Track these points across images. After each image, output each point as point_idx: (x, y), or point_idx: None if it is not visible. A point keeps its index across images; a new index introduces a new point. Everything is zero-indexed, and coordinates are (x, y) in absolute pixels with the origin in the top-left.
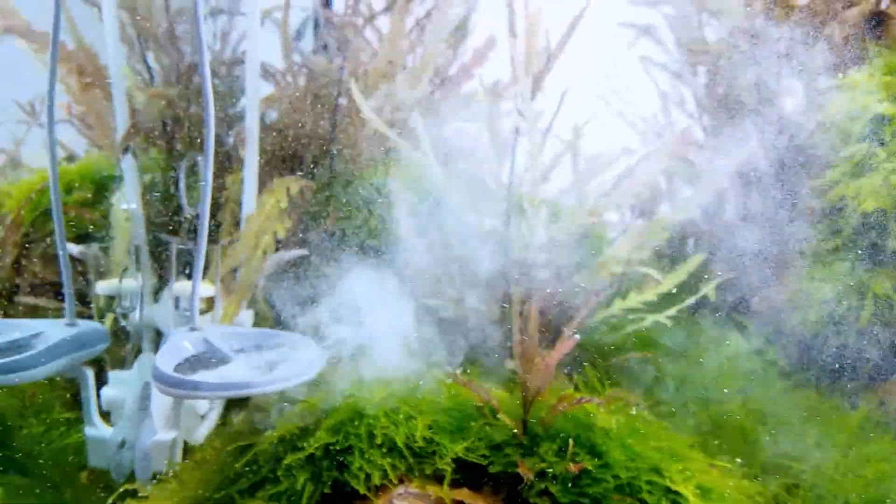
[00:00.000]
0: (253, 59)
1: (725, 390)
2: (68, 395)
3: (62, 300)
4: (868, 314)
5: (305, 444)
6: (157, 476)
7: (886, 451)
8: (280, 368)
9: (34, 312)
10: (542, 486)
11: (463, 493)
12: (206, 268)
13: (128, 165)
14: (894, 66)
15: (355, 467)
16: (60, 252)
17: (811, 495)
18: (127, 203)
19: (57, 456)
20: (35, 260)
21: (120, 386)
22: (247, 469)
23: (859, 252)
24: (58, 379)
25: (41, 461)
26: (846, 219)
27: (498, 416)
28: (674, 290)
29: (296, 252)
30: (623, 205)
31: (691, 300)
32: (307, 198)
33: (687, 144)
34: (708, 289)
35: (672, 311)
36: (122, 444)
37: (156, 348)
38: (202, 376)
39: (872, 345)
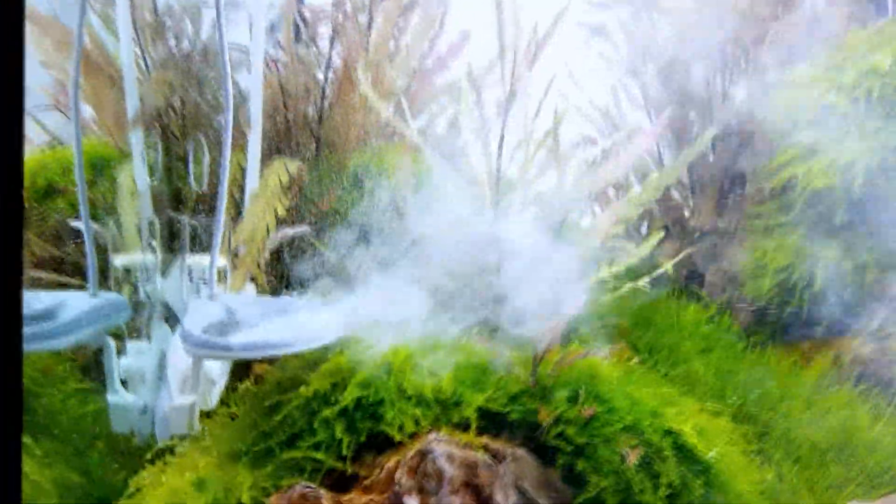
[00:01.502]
0: (257, 42)
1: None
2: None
3: (62, 274)
4: (821, 279)
5: (339, 398)
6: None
7: (845, 399)
8: (303, 331)
9: (36, 286)
10: (559, 429)
11: (486, 440)
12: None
13: (136, 145)
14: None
15: (389, 417)
16: (85, 228)
17: (783, 440)
18: (138, 181)
19: (76, 424)
20: (33, 237)
21: (138, 355)
22: (282, 423)
23: (809, 225)
24: (68, 352)
25: (61, 430)
26: (796, 196)
27: (513, 369)
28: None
29: (299, 228)
30: (600, 190)
31: (661, 270)
32: (304, 178)
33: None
34: (671, 263)
35: (645, 280)
36: (144, 410)
37: (168, 321)
38: (232, 339)
39: (825, 306)
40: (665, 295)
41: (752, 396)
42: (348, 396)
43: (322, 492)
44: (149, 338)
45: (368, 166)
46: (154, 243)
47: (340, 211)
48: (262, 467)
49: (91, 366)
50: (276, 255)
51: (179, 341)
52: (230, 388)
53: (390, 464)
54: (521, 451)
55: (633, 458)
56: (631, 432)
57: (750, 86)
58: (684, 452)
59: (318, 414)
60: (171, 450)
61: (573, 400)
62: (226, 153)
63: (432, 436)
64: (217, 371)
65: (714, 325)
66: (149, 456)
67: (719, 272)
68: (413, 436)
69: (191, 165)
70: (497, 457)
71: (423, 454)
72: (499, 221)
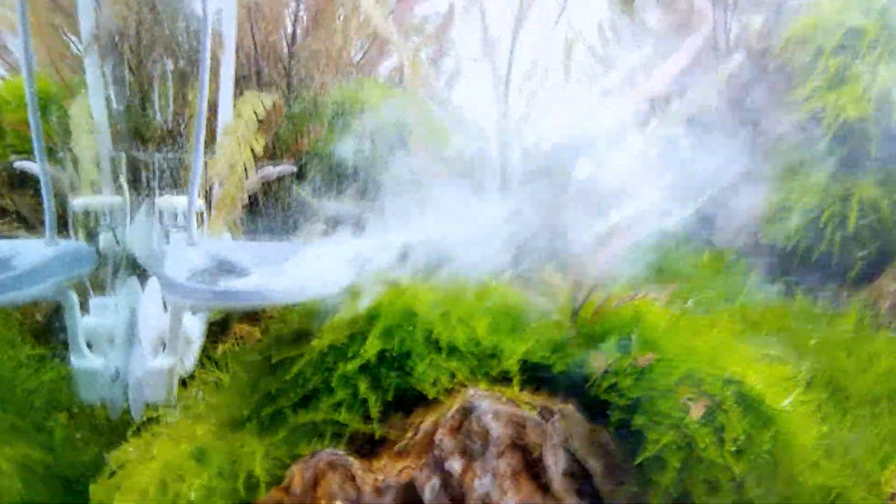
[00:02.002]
0: None
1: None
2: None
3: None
4: (854, 219)
5: (359, 352)
6: (158, 408)
7: (884, 348)
8: (311, 278)
9: None
10: (610, 381)
11: (528, 395)
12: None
13: (92, 73)
14: None
15: (419, 371)
16: (40, 166)
17: (829, 390)
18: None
19: (32, 395)
20: None
21: (102, 313)
22: (293, 383)
23: (840, 161)
24: (16, 313)
25: (15, 402)
26: (824, 129)
27: (554, 316)
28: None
29: (284, 166)
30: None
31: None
32: (281, 112)
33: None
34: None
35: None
36: (116, 376)
37: (137, 273)
38: (231, 286)
39: (858, 248)
40: (675, 241)
41: (787, 346)
42: (370, 349)
43: (351, 459)
44: (115, 292)
45: (350, 103)
46: (122, 180)
47: (323, 152)
48: (271, 434)
49: (44, 329)
50: (253, 200)
51: (155, 294)
52: (205, 352)
53: (426, 424)
54: (569, 407)
55: (697, 411)
56: (689, 383)
57: (768, 10)
58: (747, 403)
59: (334, 370)
60: (156, 420)
61: (624, 348)
62: (204, 75)
63: (473, 391)
64: (196, 330)
65: (732, 272)
66: (133, 427)
67: (733, 216)
68: (448, 392)
69: (156, 94)
70: (544, 414)
71: (467, 411)
72: (508, 157)
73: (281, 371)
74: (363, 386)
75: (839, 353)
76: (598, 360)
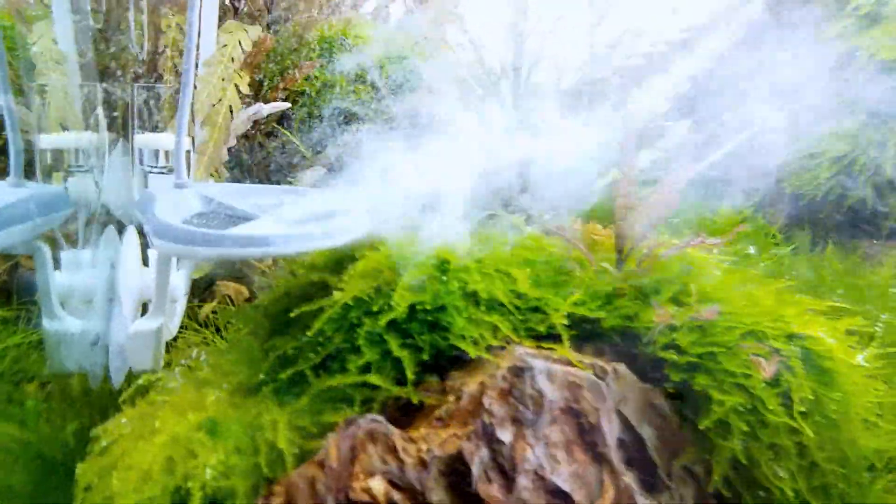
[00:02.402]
0: None
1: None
2: None
3: None
4: (891, 167)
5: (387, 306)
6: (143, 374)
7: None
8: (327, 223)
9: None
10: (669, 337)
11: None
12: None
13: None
14: None
15: (458, 327)
16: (3, 100)
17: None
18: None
19: None
20: None
21: (75, 269)
22: (313, 342)
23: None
24: None
25: None
26: (855, 71)
27: (602, 265)
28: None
29: (277, 104)
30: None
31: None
32: (268, 46)
33: None
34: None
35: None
36: (96, 340)
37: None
38: (238, 230)
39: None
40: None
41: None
42: (401, 303)
43: (391, 428)
44: (89, 244)
45: (340, 40)
46: (99, 115)
47: (313, 91)
48: (292, 401)
49: (4, 288)
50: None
51: (132, 247)
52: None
53: (472, 387)
54: (622, 367)
55: (769, 369)
56: (753, 338)
57: None
58: (810, 360)
59: (359, 327)
60: (152, 386)
61: (679, 302)
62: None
63: (521, 349)
64: (181, 288)
65: (750, 227)
66: (125, 396)
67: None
68: (489, 352)
69: (132, 21)
70: (598, 373)
71: (519, 372)
72: (523, 105)
73: (296, 329)
74: (394, 344)
75: (884, 308)
76: (661, 315)
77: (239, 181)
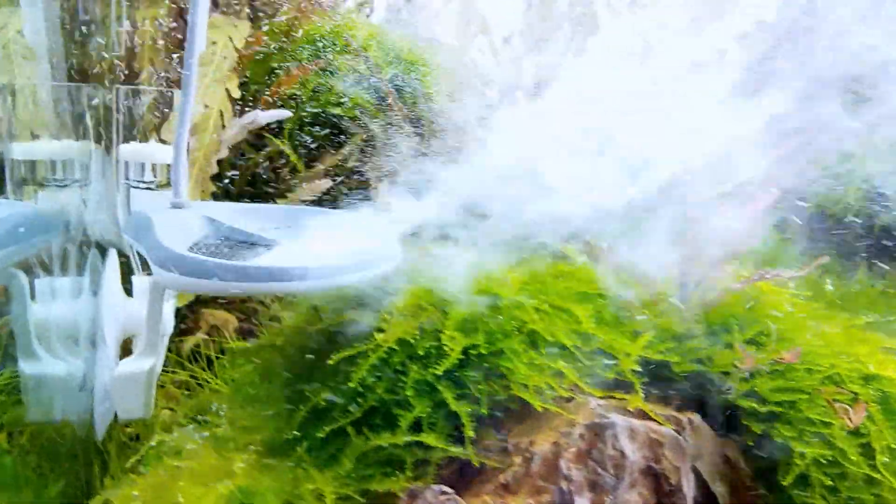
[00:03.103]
0: None
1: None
2: None
3: None
4: None
5: (435, 350)
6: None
7: None
8: (356, 253)
9: None
10: (750, 384)
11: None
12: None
13: None
14: None
15: (519, 375)
16: None
17: None
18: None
19: None
20: None
21: (51, 300)
22: (352, 392)
23: None
24: None
25: None
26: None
27: (670, 300)
28: None
29: (276, 111)
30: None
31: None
32: (260, 44)
33: None
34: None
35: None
36: (83, 384)
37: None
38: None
39: None
40: None
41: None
42: (454, 347)
43: (461, 500)
44: (67, 272)
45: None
46: (87, 121)
47: (305, 96)
48: (331, 464)
49: None
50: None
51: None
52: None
53: (543, 447)
54: (697, 419)
55: (858, 417)
56: (830, 382)
57: None
58: (888, 405)
59: (405, 374)
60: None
61: (756, 342)
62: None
63: (595, 402)
64: (170, 321)
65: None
66: (134, 460)
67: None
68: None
69: (112, 14)
70: (675, 428)
71: (598, 430)
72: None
73: (323, 373)
74: (450, 396)
75: None
76: (747, 359)
77: (227, 196)
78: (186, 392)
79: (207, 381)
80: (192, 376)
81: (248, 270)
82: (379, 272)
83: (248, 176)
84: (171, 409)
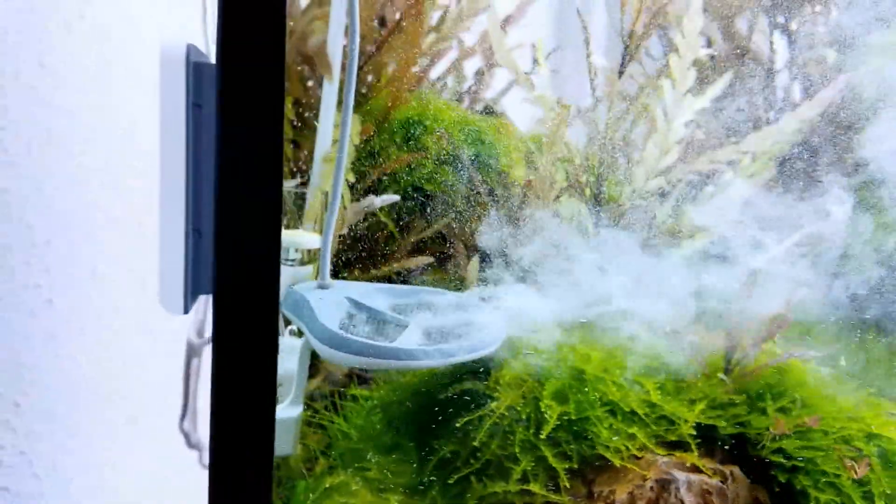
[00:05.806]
0: None
1: None
2: None
3: None
4: None
5: (533, 416)
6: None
7: None
8: (481, 331)
9: None
10: (778, 444)
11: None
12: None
13: None
14: None
15: (604, 437)
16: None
17: None
18: None
19: None
20: None
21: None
22: (471, 448)
23: None
24: None
25: None
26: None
27: (719, 375)
28: None
29: (387, 196)
30: None
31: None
32: (369, 135)
33: None
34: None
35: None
36: None
37: None
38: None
39: None
40: None
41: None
42: (552, 414)
43: None
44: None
45: (423, 122)
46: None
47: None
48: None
49: None
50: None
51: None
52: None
53: (621, 496)
54: (737, 470)
55: (862, 470)
56: (841, 441)
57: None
58: (886, 458)
59: (513, 435)
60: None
61: (784, 409)
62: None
63: (662, 460)
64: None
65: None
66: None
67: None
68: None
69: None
70: (720, 479)
71: (666, 484)
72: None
73: (446, 429)
74: (549, 454)
75: None
76: (779, 426)
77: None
78: (316, 431)
79: (332, 422)
80: (314, 416)
81: (397, 352)
82: (492, 350)
83: (359, 250)
84: (304, 445)
